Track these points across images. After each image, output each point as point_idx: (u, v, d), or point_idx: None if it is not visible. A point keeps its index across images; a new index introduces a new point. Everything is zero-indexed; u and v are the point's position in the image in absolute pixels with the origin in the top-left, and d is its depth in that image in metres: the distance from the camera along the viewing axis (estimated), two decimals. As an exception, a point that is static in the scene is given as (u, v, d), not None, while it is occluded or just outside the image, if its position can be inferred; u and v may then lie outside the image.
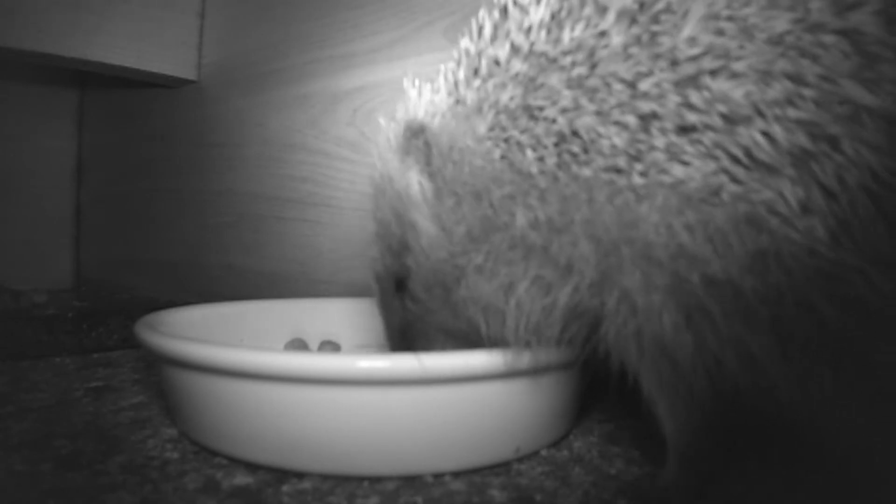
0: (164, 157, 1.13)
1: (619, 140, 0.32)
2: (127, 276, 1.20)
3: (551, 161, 0.34)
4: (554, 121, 0.34)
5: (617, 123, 0.32)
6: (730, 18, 0.30)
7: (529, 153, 0.35)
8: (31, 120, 1.25)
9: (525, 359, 0.37)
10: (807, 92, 0.29)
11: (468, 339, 0.40)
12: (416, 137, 0.40)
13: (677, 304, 0.31)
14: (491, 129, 0.36)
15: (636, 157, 0.32)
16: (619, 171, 0.32)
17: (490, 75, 0.37)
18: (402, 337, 0.44)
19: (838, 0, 0.29)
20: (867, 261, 0.29)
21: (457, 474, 0.38)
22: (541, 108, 0.34)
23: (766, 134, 0.29)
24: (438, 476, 0.38)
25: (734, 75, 0.30)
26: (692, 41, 0.31)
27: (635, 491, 0.36)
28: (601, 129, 0.32)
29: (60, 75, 1.23)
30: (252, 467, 0.38)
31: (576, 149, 0.33)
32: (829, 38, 0.29)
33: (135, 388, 0.56)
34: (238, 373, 0.37)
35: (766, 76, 0.29)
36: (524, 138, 0.35)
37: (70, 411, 0.49)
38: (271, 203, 0.94)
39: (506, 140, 0.36)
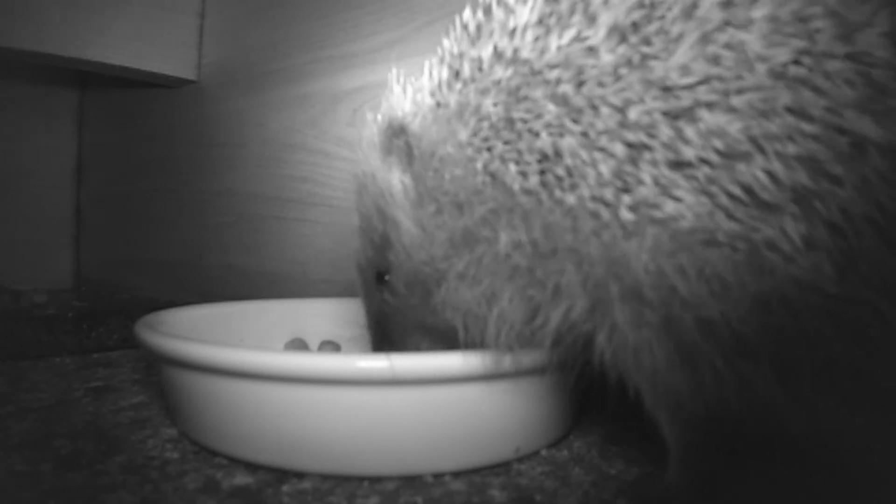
0: (164, 157, 1.13)
1: (605, 169, 0.30)
2: (127, 276, 1.20)
3: (534, 180, 0.33)
4: (537, 135, 0.33)
5: (603, 150, 0.30)
6: (727, 46, 0.29)
7: (512, 167, 0.33)
8: (31, 120, 1.25)
9: (525, 359, 0.37)
10: (808, 127, 0.27)
11: (445, 338, 0.40)
12: (398, 137, 0.39)
13: (670, 341, 0.30)
14: (473, 135, 0.35)
15: (624, 189, 0.30)
16: (605, 203, 0.30)
17: (472, 79, 0.36)
18: (379, 325, 0.44)
19: (844, 22, 0.28)
20: (875, 293, 0.28)
21: (457, 474, 0.38)
22: (524, 121, 0.33)
23: (766, 171, 0.28)
24: (438, 476, 0.38)
25: (731, 110, 0.28)
26: (685, 70, 0.29)
27: (635, 491, 0.36)
28: (584, 155, 0.31)
29: (60, 75, 1.23)
30: (252, 467, 0.38)
31: (560, 171, 0.32)
32: (835, 66, 0.27)
33: (135, 388, 0.56)
34: (238, 373, 0.37)
35: (766, 112, 0.28)
36: (506, 150, 0.34)
37: (70, 411, 0.49)
38: (271, 203, 0.94)
39: (488, 150, 0.35)
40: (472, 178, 0.35)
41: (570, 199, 0.31)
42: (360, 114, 0.83)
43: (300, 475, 0.38)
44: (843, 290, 0.28)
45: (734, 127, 0.28)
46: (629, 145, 0.30)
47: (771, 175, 0.28)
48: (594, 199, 0.31)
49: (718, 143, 0.28)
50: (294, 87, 0.91)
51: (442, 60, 0.38)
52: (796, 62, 0.28)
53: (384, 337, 0.44)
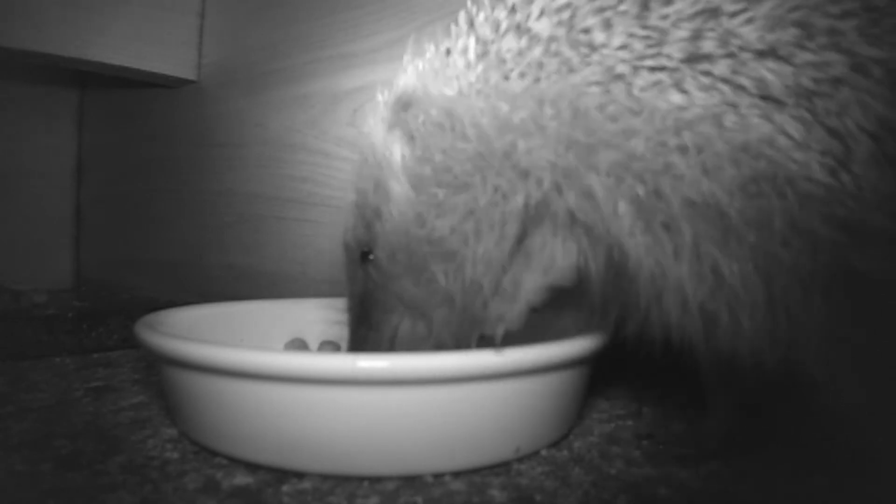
0: (164, 157, 1.13)
1: (624, 52, 0.33)
2: (127, 276, 1.20)
3: (533, 73, 0.36)
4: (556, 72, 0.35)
5: (624, 34, 0.33)
6: None
7: (513, 71, 0.36)
8: (31, 120, 1.25)
9: (525, 358, 0.37)
10: (813, 42, 0.30)
11: (424, 311, 0.41)
12: (405, 111, 0.41)
13: (640, 215, 0.32)
14: (485, 96, 0.37)
15: (636, 72, 0.33)
16: (618, 76, 0.33)
17: (483, 54, 0.38)
18: (361, 306, 0.45)
19: None
20: (866, 191, 0.29)
21: (457, 474, 0.38)
22: (541, 65, 0.36)
23: (773, 71, 0.30)
24: (438, 476, 0.38)
25: (751, 20, 0.31)
26: None
27: (635, 491, 0.36)
28: (603, 35, 0.34)
29: (60, 75, 1.23)
30: (252, 467, 0.38)
31: (569, 53, 0.35)
32: None
33: (135, 388, 0.56)
34: (238, 373, 0.37)
35: (780, 21, 0.31)
36: (509, 57, 0.36)
37: (70, 411, 0.49)
38: (271, 203, 0.94)
39: (497, 96, 0.37)
40: (479, 121, 0.37)
41: (576, 79, 0.34)
42: (360, 114, 0.83)
43: (300, 475, 0.38)
44: (833, 182, 0.29)
45: (751, 33, 0.31)
46: (651, 30, 0.33)
47: (777, 74, 0.30)
48: (607, 71, 0.34)
49: (736, 42, 0.31)
50: (294, 87, 0.91)
51: (448, 49, 0.40)
52: None
53: (364, 318, 0.45)
